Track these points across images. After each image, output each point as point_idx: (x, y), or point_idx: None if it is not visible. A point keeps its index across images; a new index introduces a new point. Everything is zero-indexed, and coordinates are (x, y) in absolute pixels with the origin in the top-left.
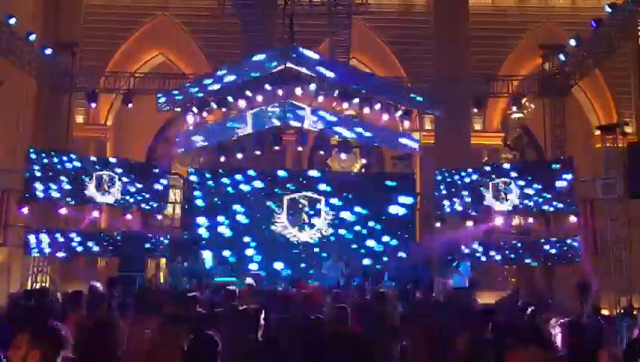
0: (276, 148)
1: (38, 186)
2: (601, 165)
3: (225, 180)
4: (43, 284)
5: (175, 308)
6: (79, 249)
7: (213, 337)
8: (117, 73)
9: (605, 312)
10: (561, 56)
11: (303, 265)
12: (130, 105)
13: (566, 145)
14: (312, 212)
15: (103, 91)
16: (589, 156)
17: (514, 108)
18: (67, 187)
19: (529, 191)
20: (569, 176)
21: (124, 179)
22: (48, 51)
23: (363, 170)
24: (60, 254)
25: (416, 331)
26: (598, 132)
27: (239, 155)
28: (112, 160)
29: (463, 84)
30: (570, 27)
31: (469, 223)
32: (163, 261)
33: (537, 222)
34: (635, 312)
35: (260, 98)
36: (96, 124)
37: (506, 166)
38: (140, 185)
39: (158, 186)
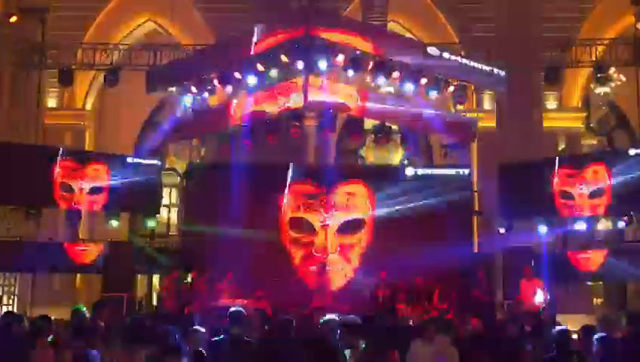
0: (295, 135)
1: None
2: None
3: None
4: (9, 307)
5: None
6: (52, 264)
7: None
8: (97, 45)
9: None
10: None
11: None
12: (114, 85)
13: None
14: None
15: (79, 68)
16: None
17: (598, 81)
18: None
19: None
20: None
21: (107, 177)
22: (13, 19)
23: (406, 163)
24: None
25: None
26: None
27: (247, 145)
28: (91, 152)
29: (533, 51)
30: None
31: None
32: (156, 278)
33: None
34: None
35: (274, 73)
36: (72, 108)
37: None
38: (126, 185)
39: (148, 185)
